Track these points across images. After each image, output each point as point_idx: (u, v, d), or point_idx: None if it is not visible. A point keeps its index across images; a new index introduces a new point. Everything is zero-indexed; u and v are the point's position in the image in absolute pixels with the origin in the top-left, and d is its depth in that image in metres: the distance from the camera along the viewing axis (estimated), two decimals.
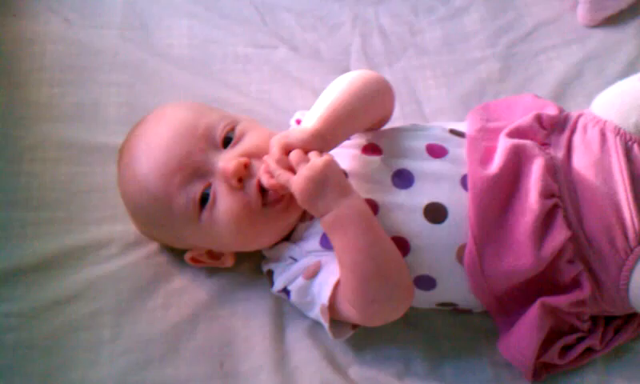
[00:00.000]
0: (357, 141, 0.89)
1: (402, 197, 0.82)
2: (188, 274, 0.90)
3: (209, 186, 0.81)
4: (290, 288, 0.85)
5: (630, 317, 0.86)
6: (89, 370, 0.82)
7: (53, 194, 0.96)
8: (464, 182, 0.82)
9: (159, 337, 0.85)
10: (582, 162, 0.83)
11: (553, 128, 0.87)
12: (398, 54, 1.19)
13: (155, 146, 0.82)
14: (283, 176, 0.77)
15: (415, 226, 0.81)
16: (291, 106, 1.06)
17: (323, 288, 0.81)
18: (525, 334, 0.81)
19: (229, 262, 0.89)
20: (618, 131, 0.84)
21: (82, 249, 0.91)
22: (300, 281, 0.83)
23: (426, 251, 0.81)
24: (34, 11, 1.16)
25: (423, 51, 1.20)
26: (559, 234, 0.79)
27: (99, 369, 0.82)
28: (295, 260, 0.86)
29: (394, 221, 0.81)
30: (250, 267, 0.91)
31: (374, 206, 0.82)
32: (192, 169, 0.81)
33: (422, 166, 0.84)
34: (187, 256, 0.89)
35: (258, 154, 0.82)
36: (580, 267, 0.80)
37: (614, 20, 1.22)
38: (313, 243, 0.85)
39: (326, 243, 0.83)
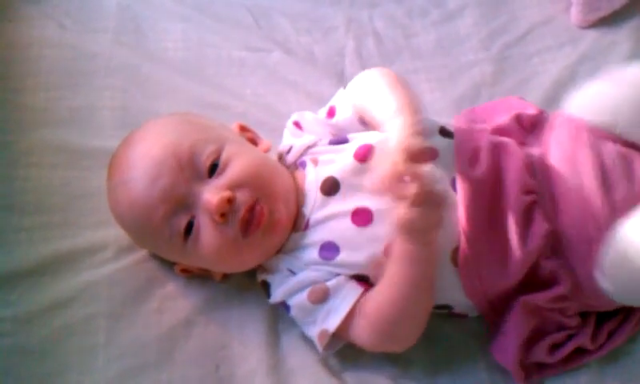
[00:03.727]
0: (348, 145, 0.88)
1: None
2: (182, 279, 0.90)
3: (193, 217, 0.81)
4: (289, 303, 0.85)
5: (624, 319, 0.86)
6: (84, 375, 0.82)
7: (48, 199, 0.96)
8: (454, 184, 0.83)
9: (154, 341, 0.85)
10: (557, 158, 0.84)
11: (532, 127, 0.89)
12: (392, 57, 1.19)
13: (140, 175, 0.81)
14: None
15: None
16: (286, 109, 1.05)
17: (332, 316, 0.81)
18: (510, 334, 0.81)
19: (217, 276, 0.90)
20: (589, 129, 0.85)
21: (77, 253, 0.91)
22: (304, 301, 0.83)
23: None
24: (29, 16, 1.17)
25: (417, 54, 1.20)
26: (540, 227, 0.80)
27: (94, 373, 0.82)
28: (293, 272, 0.85)
29: (388, 226, 0.80)
30: (245, 273, 0.90)
31: (368, 214, 0.82)
32: (176, 201, 0.80)
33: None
34: (177, 269, 0.90)
35: (243, 183, 0.81)
36: (557, 262, 0.81)
37: (607, 21, 1.22)
38: (311, 254, 0.84)
39: (325, 255, 0.83)
